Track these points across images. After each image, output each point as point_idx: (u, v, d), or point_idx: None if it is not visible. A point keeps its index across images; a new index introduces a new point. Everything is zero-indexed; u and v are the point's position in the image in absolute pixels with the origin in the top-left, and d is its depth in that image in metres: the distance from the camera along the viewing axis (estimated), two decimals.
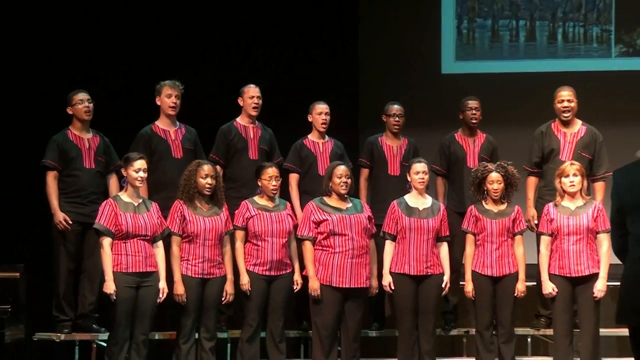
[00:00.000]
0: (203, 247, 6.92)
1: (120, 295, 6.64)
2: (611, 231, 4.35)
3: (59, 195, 7.24)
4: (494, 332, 7.24)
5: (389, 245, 7.17)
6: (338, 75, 9.35)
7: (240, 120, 7.70)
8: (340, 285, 6.97)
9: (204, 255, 6.92)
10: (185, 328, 6.91)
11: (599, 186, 7.63)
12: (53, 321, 7.27)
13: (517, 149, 7.92)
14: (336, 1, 9.57)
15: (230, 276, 7.03)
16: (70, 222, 7.19)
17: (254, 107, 7.65)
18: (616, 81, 9.26)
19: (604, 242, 7.04)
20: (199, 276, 6.91)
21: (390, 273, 7.13)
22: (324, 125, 7.72)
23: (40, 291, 7.38)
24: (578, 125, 7.68)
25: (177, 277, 6.88)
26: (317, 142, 7.75)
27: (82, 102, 7.35)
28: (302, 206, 7.38)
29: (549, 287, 7.10)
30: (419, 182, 7.16)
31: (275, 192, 7.12)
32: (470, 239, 7.28)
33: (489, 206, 7.25)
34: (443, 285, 7.18)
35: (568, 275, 7.06)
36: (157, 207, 6.90)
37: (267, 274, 7.05)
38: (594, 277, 7.04)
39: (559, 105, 7.63)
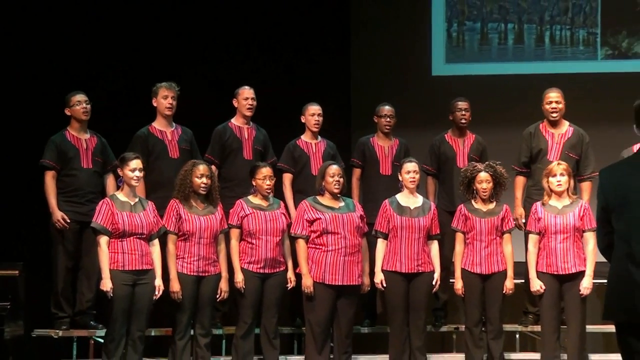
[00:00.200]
0: (198, 245, 6.93)
1: (116, 292, 6.64)
2: (597, 229, 4.36)
3: (57, 194, 7.24)
4: (483, 329, 7.25)
5: (380, 244, 7.19)
6: (330, 77, 9.35)
7: (235, 121, 7.72)
8: (333, 283, 6.99)
9: (199, 254, 6.93)
10: (181, 324, 6.92)
11: (586, 186, 7.66)
12: (51, 318, 7.27)
13: (506, 149, 7.94)
14: (329, 5, 9.57)
15: (225, 274, 7.04)
16: (68, 221, 7.19)
17: (248, 108, 7.66)
18: (602, 83, 9.27)
19: (590, 240, 7.07)
20: (194, 274, 6.91)
21: (382, 271, 7.15)
22: (316, 126, 7.73)
23: (39, 288, 7.37)
24: (565, 126, 7.71)
25: (173, 274, 6.88)
26: (310, 143, 7.76)
27: (79, 103, 7.36)
28: (296, 205, 7.40)
29: (536, 285, 7.13)
30: (410, 182, 7.19)
31: (269, 191, 7.14)
32: (459, 237, 7.30)
33: (478, 205, 7.27)
34: (433, 283, 7.20)
35: (555, 273, 7.09)
36: (153, 206, 6.90)
37: (261, 271, 7.07)
38: (581, 274, 7.06)
39: (547, 107, 7.66)
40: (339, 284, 6.99)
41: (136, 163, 6.76)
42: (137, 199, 6.82)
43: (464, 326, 7.36)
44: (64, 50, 8.66)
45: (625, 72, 9.28)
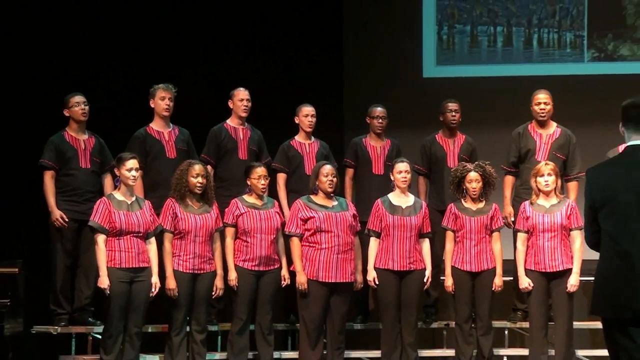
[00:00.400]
0: (194, 243, 6.94)
1: (114, 289, 6.66)
2: (586, 227, 4.39)
3: (56, 194, 7.25)
4: (472, 325, 7.28)
5: (373, 242, 7.21)
6: (324, 79, 9.36)
7: (230, 122, 7.73)
8: (327, 280, 7.01)
9: (195, 252, 6.94)
10: (177, 321, 6.93)
11: (572, 185, 7.69)
12: (50, 314, 7.27)
13: (495, 150, 7.96)
14: (322, 8, 9.58)
15: (220, 271, 7.05)
16: (67, 220, 7.20)
17: (243, 109, 7.68)
18: (589, 85, 9.29)
19: (577, 238, 7.10)
20: (190, 271, 6.93)
21: (375, 269, 7.17)
22: (310, 127, 7.74)
23: (38, 286, 7.36)
24: (553, 127, 7.73)
25: (169, 272, 6.90)
26: (304, 143, 7.78)
27: (78, 104, 7.36)
28: (290, 204, 7.41)
29: (525, 282, 7.15)
30: (402, 181, 7.21)
31: (264, 190, 7.16)
32: (449, 235, 7.32)
33: (468, 204, 7.30)
34: (425, 280, 7.23)
35: (543, 270, 7.11)
36: (150, 205, 6.92)
37: (256, 269, 7.08)
38: (568, 272, 7.09)
39: (535, 108, 7.68)
40: (332, 281, 7.01)
41: (132, 163, 6.77)
42: (133, 198, 6.83)
43: (454, 322, 7.39)
44: (63, 51, 8.65)
45: (611, 74, 9.30)
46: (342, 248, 7.04)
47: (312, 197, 7.13)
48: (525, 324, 7.52)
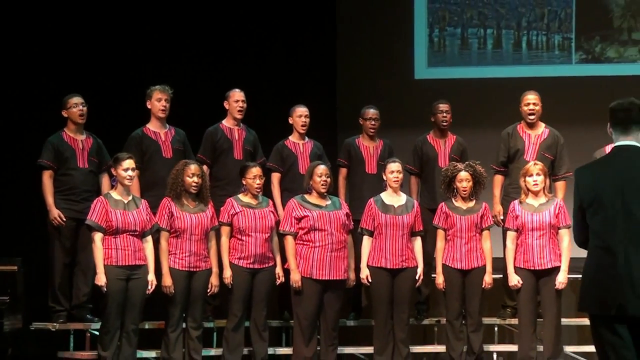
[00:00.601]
0: (190, 241, 6.95)
1: (111, 287, 6.66)
2: (574, 225, 4.41)
3: (54, 193, 7.26)
4: (463, 322, 7.31)
5: (366, 241, 7.23)
6: (317, 80, 9.36)
7: (226, 122, 7.74)
8: (320, 278, 7.02)
9: (191, 250, 6.95)
10: (174, 318, 6.94)
11: (560, 185, 7.71)
12: (49, 311, 7.28)
13: (485, 150, 7.96)
14: (314, 10, 9.58)
15: (215, 269, 7.07)
16: (65, 219, 7.21)
17: (239, 110, 7.69)
18: (576, 86, 9.30)
19: (565, 237, 7.12)
20: (186, 269, 6.94)
21: (368, 266, 7.19)
22: (303, 127, 7.76)
23: (37, 283, 7.35)
24: (542, 128, 7.75)
25: (165, 270, 6.91)
26: (298, 143, 7.79)
27: (76, 105, 7.37)
28: (284, 203, 7.42)
29: (514, 280, 7.18)
30: (394, 181, 7.23)
31: (259, 190, 7.17)
32: (440, 234, 7.34)
33: (459, 203, 7.32)
34: (417, 278, 7.25)
35: (532, 268, 7.14)
36: (147, 204, 6.93)
37: (250, 267, 7.10)
38: (556, 270, 7.11)
39: (525, 108, 7.70)
40: (326, 278, 7.03)
41: (129, 163, 6.78)
42: (130, 197, 6.84)
43: (445, 319, 7.41)
44: (62, 52, 8.64)
45: (598, 75, 9.31)
46: (335, 246, 7.06)
47: (306, 196, 7.14)
48: (515, 321, 7.54)
